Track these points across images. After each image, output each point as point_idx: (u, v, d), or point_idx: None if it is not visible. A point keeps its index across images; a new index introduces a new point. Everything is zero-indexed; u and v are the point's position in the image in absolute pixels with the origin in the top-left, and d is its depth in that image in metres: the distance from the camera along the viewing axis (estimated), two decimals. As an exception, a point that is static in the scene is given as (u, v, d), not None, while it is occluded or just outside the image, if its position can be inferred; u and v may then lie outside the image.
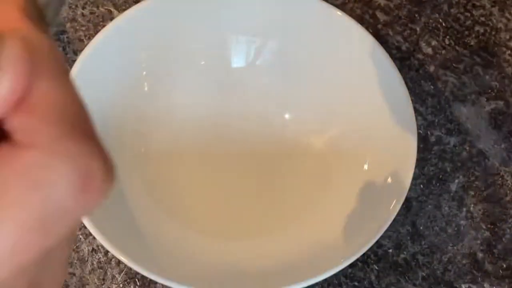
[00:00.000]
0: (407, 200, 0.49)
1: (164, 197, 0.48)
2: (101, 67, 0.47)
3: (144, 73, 0.50)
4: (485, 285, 0.47)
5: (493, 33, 0.56)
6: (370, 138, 0.48)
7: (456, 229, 0.49)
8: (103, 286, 0.46)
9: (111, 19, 0.50)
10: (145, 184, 0.48)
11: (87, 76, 0.46)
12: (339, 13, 0.48)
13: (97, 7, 0.56)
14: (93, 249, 0.47)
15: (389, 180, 0.45)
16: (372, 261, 0.47)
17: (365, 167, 0.48)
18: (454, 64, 0.55)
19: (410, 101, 0.46)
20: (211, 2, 0.49)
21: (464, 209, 0.50)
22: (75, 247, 0.47)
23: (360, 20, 0.56)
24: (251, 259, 0.46)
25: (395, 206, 0.43)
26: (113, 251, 0.40)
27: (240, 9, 0.50)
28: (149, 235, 0.46)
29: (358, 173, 0.48)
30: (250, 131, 0.51)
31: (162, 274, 0.40)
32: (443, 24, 0.57)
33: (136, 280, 0.46)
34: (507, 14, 0.57)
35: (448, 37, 0.56)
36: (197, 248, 0.46)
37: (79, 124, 0.17)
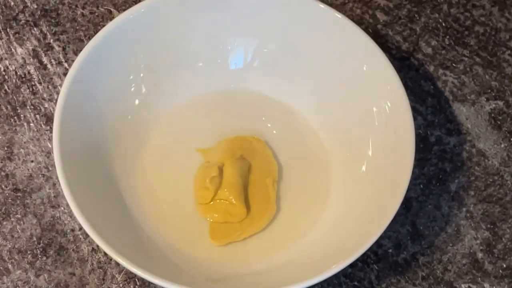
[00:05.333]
0: (407, 200, 0.49)
1: (162, 201, 0.48)
2: (100, 67, 0.47)
3: (141, 74, 0.49)
4: (485, 285, 0.47)
5: (493, 33, 0.56)
6: (368, 139, 0.48)
7: (456, 229, 0.49)
8: (103, 286, 0.46)
9: (111, 19, 0.50)
10: (143, 186, 0.48)
11: (85, 75, 0.46)
12: (338, 15, 0.48)
13: (97, 7, 0.56)
14: (93, 249, 0.47)
15: (388, 180, 0.45)
16: (372, 261, 0.48)
17: (363, 168, 0.48)
18: (454, 64, 0.55)
19: (408, 102, 0.46)
20: (210, 3, 0.49)
21: (464, 209, 0.50)
22: (75, 247, 0.47)
23: (360, 20, 0.56)
24: (249, 260, 0.46)
25: (394, 206, 0.42)
26: (110, 252, 0.40)
27: (238, 10, 0.50)
28: (147, 237, 0.46)
29: (356, 173, 0.48)
30: (248, 132, 0.50)
31: (159, 275, 0.40)
32: (443, 24, 0.57)
33: (136, 280, 0.46)
34: (507, 14, 0.57)
35: (448, 37, 0.56)
36: (194, 251, 0.46)
37: None
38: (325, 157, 0.49)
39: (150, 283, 0.46)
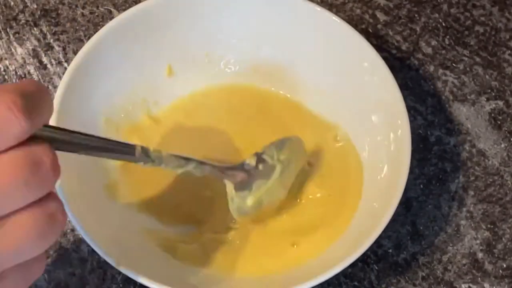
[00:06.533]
0: (407, 200, 0.49)
1: (157, 210, 0.48)
2: (98, 67, 0.47)
3: (139, 76, 0.49)
4: (485, 285, 0.47)
5: (493, 33, 0.56)
6: (365, 140, 0.48)
7: (456, 229, 0.49)
8: (103, 286, 0.46)
9: (111, 19, 0.50)
10: (139, 195, 0.47)
11: (83, 74, 0.46)
12: (334, 17, 0.48)
13: (97, 7, 0.56)
14: (93, 249, 0.47)
15: (386, 180, 0.45)
16: (372, 261, 0.48)
17: (361, 168, 0.47)
18: (454, 64, 0.55)
19: (404, 103, 0.45)
20: (207, 5, 0.49)
21: (464, 209, 0.50)
22: (75, 247, 0.47)
23: (360, 20, 0.56)
24: (249, 261, 0.46)
25: (392, 205, 0.42)
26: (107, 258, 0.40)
27: (234, 13, 0.50)
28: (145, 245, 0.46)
29: (354, 174, 0.48)
30: (245, 134, 0.50)
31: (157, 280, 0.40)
32: (443, 24, 0.57)
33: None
34: (507, 14, 0.57)
35: (448, 37, 0.56)
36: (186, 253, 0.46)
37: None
38: (321, 159, 0.49)
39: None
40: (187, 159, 0.40)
